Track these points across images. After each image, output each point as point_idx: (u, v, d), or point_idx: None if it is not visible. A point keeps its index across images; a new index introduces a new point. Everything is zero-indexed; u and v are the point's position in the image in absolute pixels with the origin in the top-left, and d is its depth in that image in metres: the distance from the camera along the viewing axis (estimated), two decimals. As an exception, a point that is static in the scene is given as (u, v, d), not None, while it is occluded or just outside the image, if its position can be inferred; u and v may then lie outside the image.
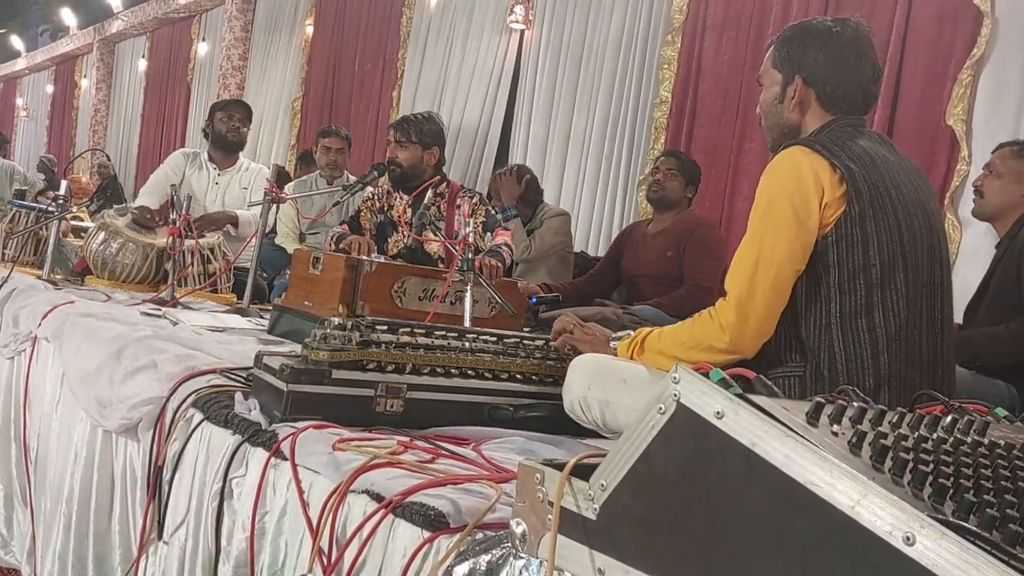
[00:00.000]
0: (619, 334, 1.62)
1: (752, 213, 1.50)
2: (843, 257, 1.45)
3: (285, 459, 1.29)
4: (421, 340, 1.55)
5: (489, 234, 3.04)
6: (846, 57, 1.57)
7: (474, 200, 3.12)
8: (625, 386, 1.41)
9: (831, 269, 1.45)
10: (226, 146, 3.81)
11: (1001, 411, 1.05)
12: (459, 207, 3.06)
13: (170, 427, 1.61)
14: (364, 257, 2.41)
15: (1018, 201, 2.45)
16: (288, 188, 4.45)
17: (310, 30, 7.51)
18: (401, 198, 3.12)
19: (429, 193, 3.07)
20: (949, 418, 0.89)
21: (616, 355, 1.57)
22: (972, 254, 3.17)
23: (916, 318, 1.49)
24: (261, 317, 2.63)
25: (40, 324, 2.29)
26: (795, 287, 1.49)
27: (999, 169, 2.49)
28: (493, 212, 3.21)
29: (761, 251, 1.45)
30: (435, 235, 2.71)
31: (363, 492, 1.15)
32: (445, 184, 3.12)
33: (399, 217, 3.10)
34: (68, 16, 12.20)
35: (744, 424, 0.72)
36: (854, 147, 1.49)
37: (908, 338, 1.47)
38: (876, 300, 1.45)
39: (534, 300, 3.17)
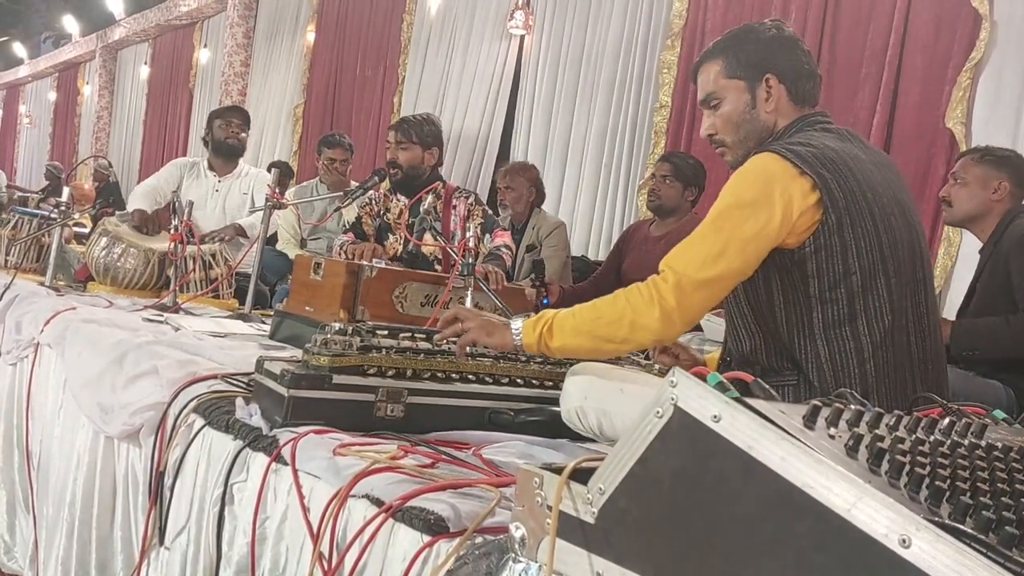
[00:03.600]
0: (520, 316, 1.52)
1: (714, 206, 1.46)
2: (823, 267, 1.43)
3: (286, 464, 1.30)
4: (421, 345, 1.56)
5: (488, 235, 3.04)
6: (799, 52, 1.58)
7: (470, 200, 3.12)
8: (622, 395, 1.41)
9: (811, 280, 1.44)
10: (226, 152, 3.82)
11: (999, 413, 1.05)
12: (455, 207, 3.07)
13: (171, 433, 1.62)
14: (365, 262, 2.42)
15: (990, 205, 2.48)
16: (289, 194, 4.46)
17: (311, 36, 7.53)
18: (398, 200, 3.13)
19: (429, 197, 3.08)
20: (946, 421, 0.89)
21: (520, 337, 1.47)
22: (971, 256, 3.16)
23: (902, 319, 1.48)
24: (263, 323, 2.64)
25: (42, 330, 2.29)
26: (775, 297, 1.47)
27: (963, 177, 2.52)
28: (490, 212, 3.21)
29: (713, 246, 1.41)
30: (435, 239, 2.72)
31: (363, 497, 1.15)
32: (442, 186, 3.13)
33: (395, 220, 3.11)
34: (70, 23, 12.25)
35: (741, 427, 0.72)
36: (825, 149, 1.46)
37: (896, 342, 1.46)
38: (859, 309, 1.44)
39: (545, 301, 3.18)
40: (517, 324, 1.49)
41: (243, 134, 3.86)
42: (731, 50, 1.58)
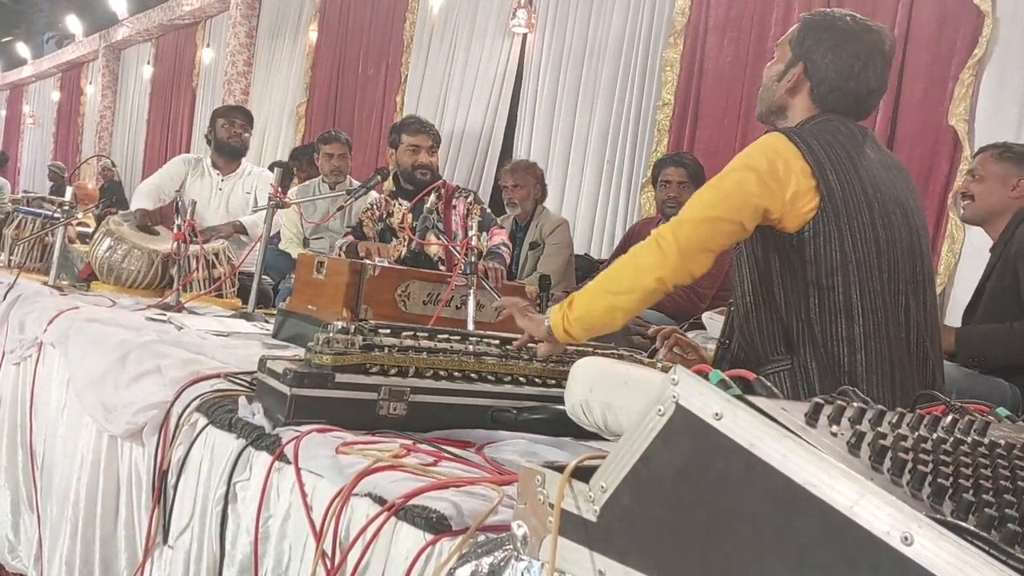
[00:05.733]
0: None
1: (720, 172, 1.54)
2: (820, 253, 1.47)
3: (288, 463, 1.30)
4: (424, 343, 1.56)
5: (485, 233, 3.06)
6: (850, 65, 1.58)
7: (469, 199, 3.15)
8: (626, 388, 1.41)
9: (808, 265, 1.48)
10: (229, 152, 3.82)
11: (1003, 411, 1.05)
12: (455, 207, 3.08)
13: (175, 432, 1.62)
14: (367, 261, 2.43)
15: (1007, 204, 2.45)
16: (291, 193, 4.46)
17: (314, 35, 7.53)
18: (400, 204, 3.13)
19: (432, 197, 3.08)
20: (949, 418, 0.89)
21: (550, 324, 1.57)
22: (975, 255, 3.16)
23: (900, 315, 1.50)
24: (266, 321, 2.64)
25: (46, 330, 2.30)
26: (775, 279, 1.52)
27: (982, 173, 2.49)
28: (488, 211, 3.23)
29: (715, 195, 1.49)
30: (438, 239, 2.73)
31: (366, 495, 1.15)
32: (442, 185, 3.15)
33: (398, 224, 3.12)
34: (74, 23, 12.27)
35: (743, 425, 0.72)
36: (834, 143, 1.51)
37: (891, 336, 1.49)
38: (855, 298, 1.47)
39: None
40: (547, 315, 1.59)
41: (246, 134, 3.87)
42: (803, 27, 1.65)
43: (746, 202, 1.46)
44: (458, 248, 2.31)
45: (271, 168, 4.43)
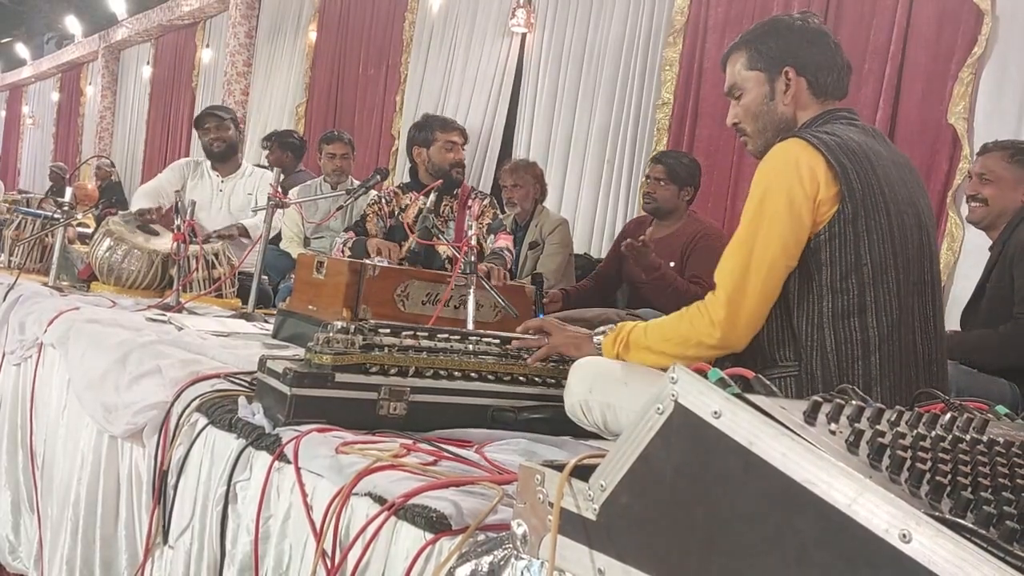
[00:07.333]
0: (601, 329, 1.60)
1: (747, 205, 1.49)
2: (836, 256, 1.44)
3: (289, 463, 1.30)
4: (424, 343, 1.56)
5: (492, 236, 3.07)
6: (827, 44, 1.59)
7: (484, 202, 3.16)
8: (626, 388, 1.41)
9: (823, 268, 1.45)
10: (216, 157, 3.80)
11: (1002, 409, 1.05)
12: (470, 207, 3.09)
13: (175, 432, 1.62)
14: (374, 260, 2.43)
15: (1016, 207, 2.44)
16: (292, 193, 4.46)
17: (313, 35, 7.54)
18: (416, 198, 3.13)
19: (432, 196, 3.08)
20: (948, 416, 0.89)
21: (600, 351, 1.55)
22: (975, 253, 3.16)
23: (909, 316, 1.48)
24: (266, 321, 2.64)
25: (46, 330, 2.30)
26: (787, 285, 1.48)
27: (991, 176, 2.46)
28: (499, 216, 3.24)
29: (755, 246, 1.44)
30: (436, 236, 2.73)
31: (366, 495, 1.16)
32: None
33: (415, 216, 3.11)
34: (73, 24, 12.25)
35: (741, 423, 0.72)
36: (849, 141, 1.48)
37: (901, 338, 1.47)
38: (869, 300, 1.45)
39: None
40: (598, 339, 1.57)
41: (225, 134, 3.78)
42: (754, 43, 1.61)
43: (785, 247, 1.43)
44: (458, 248, 2.32)
45: (267, 139, 4.38)
